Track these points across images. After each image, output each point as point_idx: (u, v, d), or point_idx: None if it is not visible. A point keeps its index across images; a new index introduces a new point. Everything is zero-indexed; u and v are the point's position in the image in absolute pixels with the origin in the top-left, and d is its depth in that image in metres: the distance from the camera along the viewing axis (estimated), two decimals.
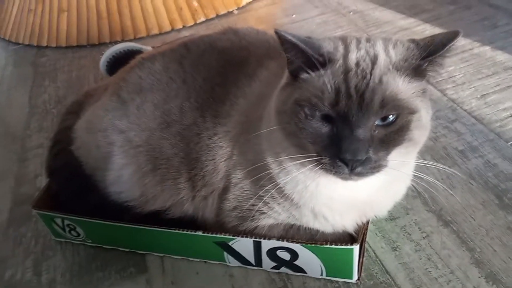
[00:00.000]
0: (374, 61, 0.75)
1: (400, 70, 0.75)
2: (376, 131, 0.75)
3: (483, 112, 1.37)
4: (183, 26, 2.26)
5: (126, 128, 1.06)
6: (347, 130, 0.73)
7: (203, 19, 2.29)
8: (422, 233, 1.04)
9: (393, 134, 0.75)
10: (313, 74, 0.77)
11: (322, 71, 0.76)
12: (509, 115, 1.35)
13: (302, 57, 0.76)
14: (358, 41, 0.80)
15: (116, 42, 2.07)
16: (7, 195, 1.36)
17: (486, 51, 1.66)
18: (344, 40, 0.80)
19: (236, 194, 0.98)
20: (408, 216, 1.08)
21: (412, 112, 0.76)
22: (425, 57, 0.75)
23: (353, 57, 0.76)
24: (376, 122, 0.74)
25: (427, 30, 1.88)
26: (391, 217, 1.08)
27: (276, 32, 0.75)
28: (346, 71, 0.75)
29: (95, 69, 1.99)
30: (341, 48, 0.78)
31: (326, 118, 0.76)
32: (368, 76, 0.74)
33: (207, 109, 1.02)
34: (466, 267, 0.95)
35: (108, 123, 1.08)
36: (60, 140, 1.23)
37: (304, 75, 0.78)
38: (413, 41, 0.79)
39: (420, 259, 0.98)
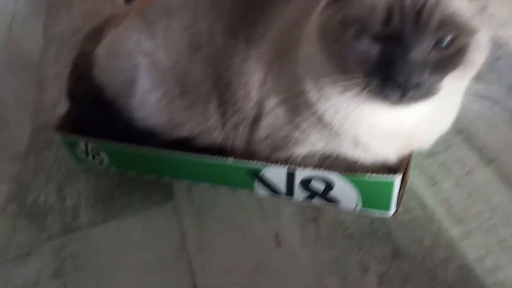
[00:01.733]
0: None
1: None
2: (432, 53, 0.68)
3: None
4: None
5: (153, 51, 1.00)
6: (400, 52, 0.66)
7: None
8: (462, 169, 0.99)
9: (450, 56, 0.68)
10: None
11: None
12: None
13: None
14: None
15: None
16: (26, 123, 1.33)
17: None
18: None
19: (270, 122, 0.93)
20: (448, 152, 1.03)
21: (472, 33, 0.68)
22: None
23: None
24: (432, 43, 0.67)
25: None
26: (430, 152, 1.02)
27: None
28: None
29: (112, 0, 1.90)
30: None
31: (376, 38, 0.69)
32: None
33: (239, 31, 0.95)
34: (509, 205, 0.91)
35: (132, 45, 1.01)
36: (79, 65, 1.17)
37: None
38: None
39: (460, 195, 0.94)
